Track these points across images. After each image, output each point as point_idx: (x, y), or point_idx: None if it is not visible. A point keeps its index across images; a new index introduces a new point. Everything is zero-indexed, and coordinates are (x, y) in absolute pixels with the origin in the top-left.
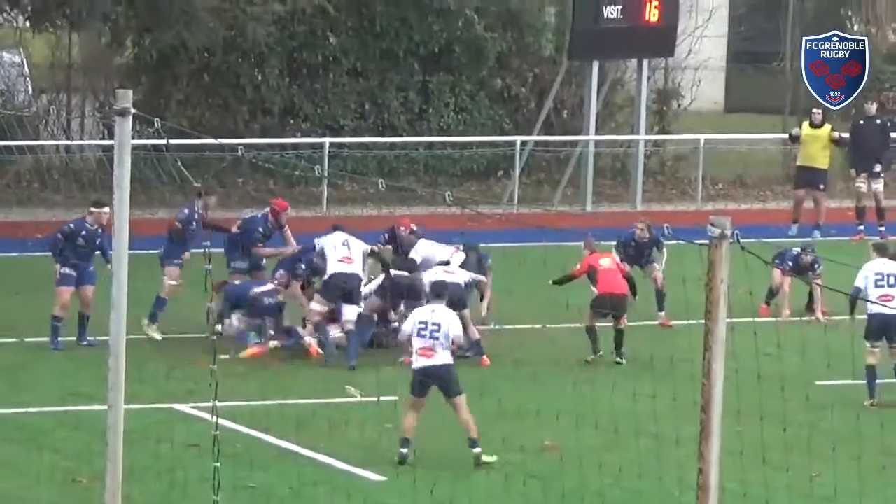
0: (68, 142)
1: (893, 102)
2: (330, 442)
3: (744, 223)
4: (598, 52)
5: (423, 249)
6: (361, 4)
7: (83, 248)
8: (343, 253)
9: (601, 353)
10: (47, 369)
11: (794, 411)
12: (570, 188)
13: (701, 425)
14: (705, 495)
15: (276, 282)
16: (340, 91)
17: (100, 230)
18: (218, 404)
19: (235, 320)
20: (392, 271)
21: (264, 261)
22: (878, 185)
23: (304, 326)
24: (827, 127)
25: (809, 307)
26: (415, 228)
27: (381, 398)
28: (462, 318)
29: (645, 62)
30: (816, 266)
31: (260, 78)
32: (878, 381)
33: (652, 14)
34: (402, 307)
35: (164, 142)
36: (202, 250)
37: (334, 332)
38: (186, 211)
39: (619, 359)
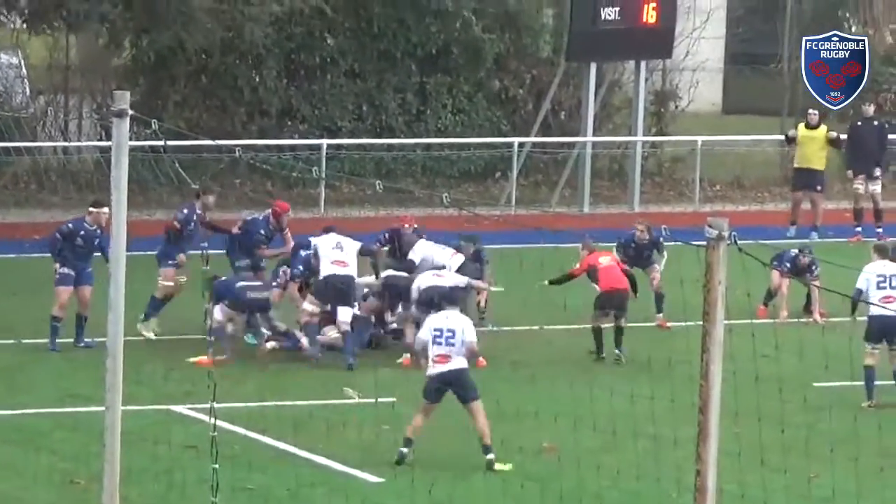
0: (66, 143)
1: (891, 104)
2: (328, 443)
3: (741, 225)
4: (595, 53)
5: (421, 250)
6: (359, 6)
7: (81, 248)
8: (336, 255)
9: (604, 355)
10: (45, 371)
11: (791, 413)
12: (568, 190)
13: (699, 427)
14: (703, 497)
15: (276, 282)
16: (338, 92)
17: (98, 230)
18: (216, 406)
19: (218, 313)
20: (390, 272)
21: (264, 261)
22: (876, 187)
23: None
24: (823, 128)
25: (807, 309)
26: (417, 227)
27: (379, 399)
28: None
29: (643, 64)
30: (814, 268)
31: (257, 79)
32: (875, 383)
33: (650, 16)
34: (399, 308)
35: (161, 143)
36: (200, 252)
37: (332, 332)
38: (185, 211)
39: (618, 352)
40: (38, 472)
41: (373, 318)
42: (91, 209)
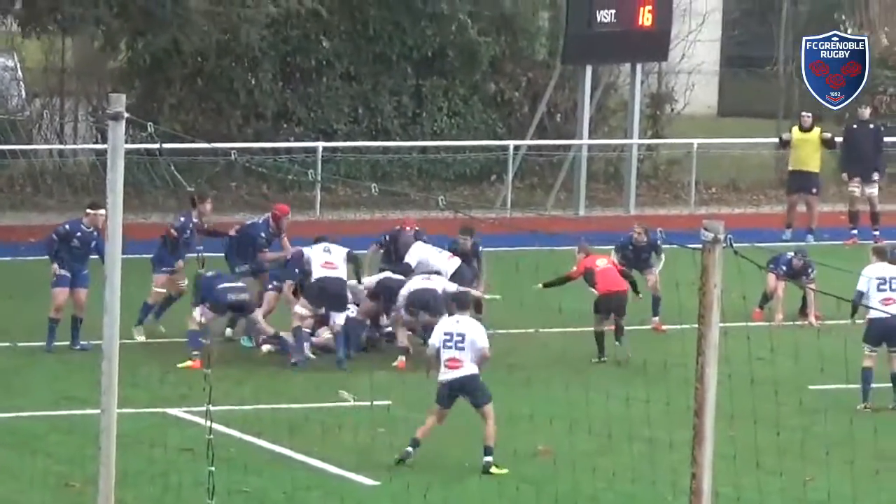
0: (61, 146)
1: (886, 107)
2: (323, 446)
3: (737, 227)
4: (591, 56)
5: (417, 253)
6: (354, 8)
7: (78, 250)
8: (325, 258)
9: (605, 358)
10: (40, 373)
11: (787, 416)
12: (564, 192)
13: (694, 430)
14: (698, 500)
15: (271, 285)
16: (334, 95)
17: (95, 232)
18: (211, 409)
19: (198, 314)
20: (386, 274)
21: (266, 265)
22: (873, 190)
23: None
24: (816, 130)
25: (803, 311)
26: (418, 229)
27: (374, 402)
28: None
29: (638, 66)
30: (810, 270)
31: (253, 82)
32: (872, 386)
33: (645, 18)
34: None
35: (157, 146)
36: (196, 254)
37: (325, 333)
38: (182, 219)
39: (618, 343)
40: (34, 475)
41: (367, 321)
42: (88, 211)
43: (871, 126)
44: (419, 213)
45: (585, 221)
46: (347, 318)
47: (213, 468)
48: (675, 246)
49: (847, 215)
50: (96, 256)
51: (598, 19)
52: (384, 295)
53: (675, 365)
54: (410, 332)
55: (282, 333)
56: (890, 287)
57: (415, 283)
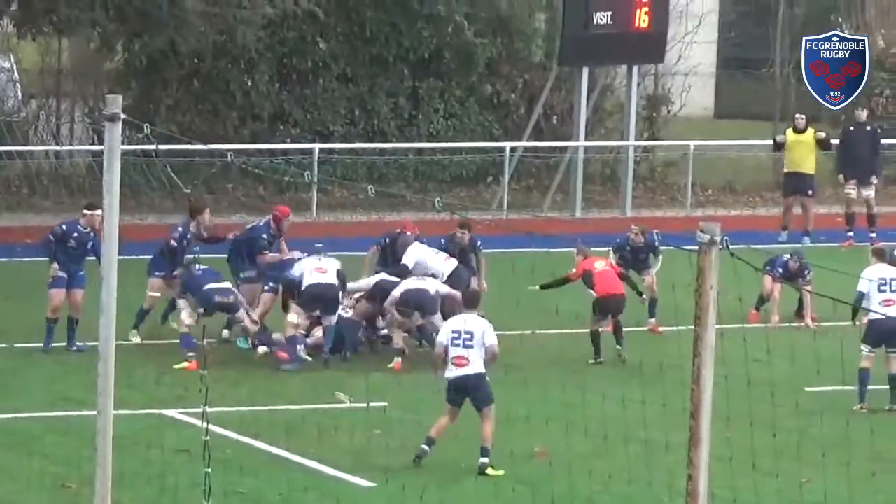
0: (58, 147)
1: (882, 109)
2: (319, 448)
3: (733, 229)
4: (587, 58)
5: (414, 254)
6: (351, 10)
7: (74, 251)
8: (317, 264)
9: (602, 360)
10: (37, 374)
11: (783, 417)
12: (560, 194)
13: (690, 431)
14: (695, 501)
15: (268, 286)
16: (330, 97)
17: (92, 233)
18: (208, 410)
19: (186, 317)
20: (383, 276)
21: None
22: (870, 192)
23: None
24: (811, 131)
25: (799, 313)
26: (418, 234)
27: (371, 404)
28: (433, 325)
29: (635, 68)
30: (806, 272)
31: (250, 83)
32: (868, 388)
33: (642, 20)
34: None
35: (153, 147)
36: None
37: (319, 333)
38: (180, 229)
39: (619, 347)
40: (31, 477)
41: (363, 322)
42: (85, 211)
43: (868, 128)
44: (415, 215)
45: (582, 223)
46: (343, 319)
47: (209, 469)
48: (671, 247)
49: (843, 217)
50: (93, 258)
51: (595, 21)
52: (380, 297)
53: (672, 366)
54: (406, 334)
55: (275, 335)
56: (890, 288)
57: (408, 284)
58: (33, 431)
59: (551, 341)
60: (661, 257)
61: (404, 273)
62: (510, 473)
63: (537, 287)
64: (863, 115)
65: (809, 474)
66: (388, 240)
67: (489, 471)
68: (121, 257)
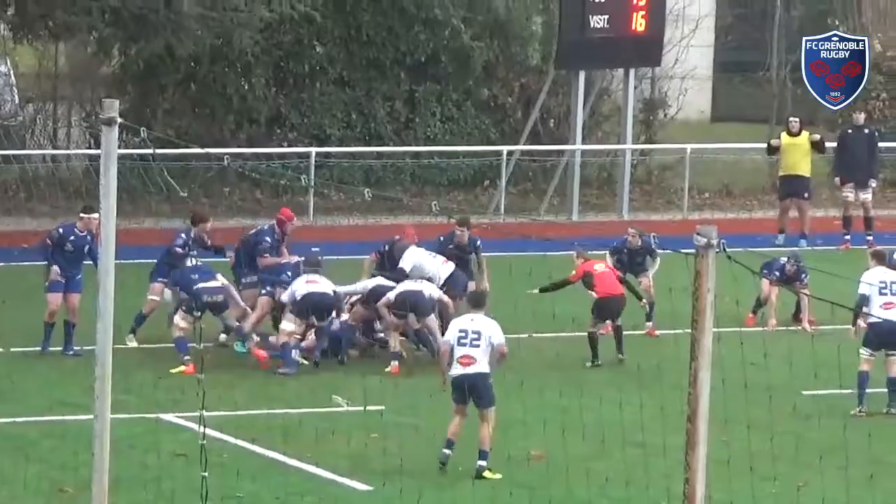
0: (55, 151)
1: (880, 112)
2: (316, 451)
3: (730, 233)
4: (584, 61)
5: (411, 258)
6: (348, 14)
7: (71, 254)
8: (309, 278)
9: (600, 362)
10: (34, 379)
11: (780, 421)
12: (557, 198)
13: (687, 434)
14: None
15: (265, 290)
16: (327, 100)
17: (89, 237)
18: (204, 414)
19: (180, 319)
20: (379, 279)
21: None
22: (867, 196)
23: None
24: (805, 134)
25: (796, 317)
26: (417, 242)
27: (368, 408)
28: (427, 327)
29: (631, 72)
30: (803, 276)
31: (246, 87)
32: (867, 391)
33: (638, 24)
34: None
35: (150, 151)
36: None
37: (312, 335)
38: (183, 235)
39: (621, 355)
40: (28, 481)
41: (361, 326)
42: (82, 214)
43: (866, 131)
44: (412, 219)
45: (579, 227)
46: (340, 323)
47: (205, 473)
48: (668, 251)
49: (840, 221)
50: (90, 262)
51: (592, 25)
52: (376, 300)
53: (669, 370)
54: (403, 338)
55: (271, 339)
56: (891, 291)
57: (403, 286)
58: (30, 436)
59: (548, 344)
60: (658, 260)
61: (401, 277)
62: (507, 477)
63: (536, 290)
64: (860, 118)
65: (807, 478)
66: (386, 246)
67: (486, 474)
68: (118, 261)
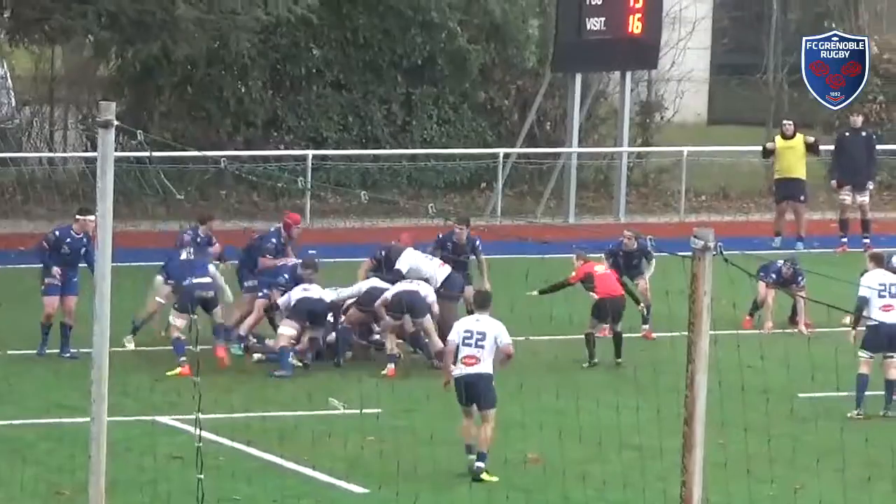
0: (51, 154)
1: (876, 114)
2: (313, 454)
3: (727, 235)
4: (581, 64)
5: (408, 260)
6: (344, 17)
7: (68, 256)
8: (304, 285)
9: (597, 361)
10: (31, 381)
11: (777, 423)
12: (553, 200)
13: (684, 437)
14: None
15: (262, 292)
16: (323, 103)
17: (85, 239)
18: (201, 416)
19: (175, 320)
20: (374, 281)
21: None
22: (864, 198)
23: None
24: (799, 137)
25: (793, 319)
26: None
27: (364, 410)
28: (424, 328)
29: (628, 74)
30: (800, 278)
31: (243, 90)
32: (866, 393)
33: (635, 26)
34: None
35: (147, 154)
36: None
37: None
38: (190, 231)
39: (618, 359)
40: (24, 483)
41: (356, 330)
42: (78, 216)
43: (864, 134)
44: (409, 221)
45: (575, 229)
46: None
47: (201, 476)
48: (665, 254)
49: (837, 223)
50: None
51: (588, 27)
52: (372, 302)
53: (666, 372)
54: (401, 341)
55: (268, 342)
56: (890, 293)
57: (399, 287)
58: (27, 438)
59: (545, 347)
60: (654, 262)
61: (398, 278)
62: (504, 480)
63: (535, 292)
64: (858, 120)
65: (804, 480)
66: (383, 252)
67: (484, 476)
68: (114, 264)
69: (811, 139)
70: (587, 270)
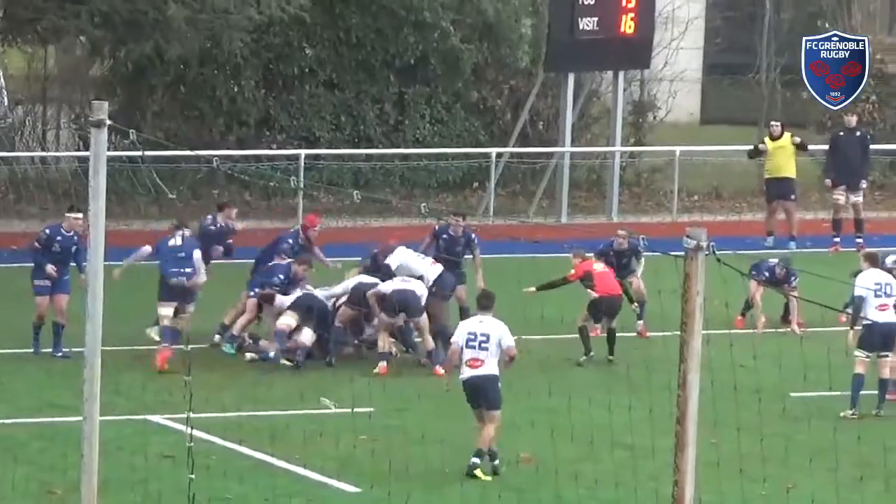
0: (44, 153)
1: (869, 114)
2: (305, 453)
3: (719, 235)
4: (573, 63)
5: (398, 257)
6: (337, 16)
7: (59, 255)
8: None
9: (592, 353)
10: (23, 380)
11: (770, 423)
12: (546, 200)
13: (677, 437)
14: None
15: (253, 292)
16: (316, 103)
17: (75, 237)
18: (192, 416)
19: (159, 308)
20: (362, 277)
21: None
22: (858, 198)
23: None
24: (787, 136)
25: (785, 319)
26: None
27: (356, 410)
28: (418, 327)
29: (621, 74)
30: (793, 278)
31: (236, 89)
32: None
33: (628, 26)
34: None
35: (139, 153)
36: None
37: (299, 336)
38: (211, 217)
39: (611, 357)
40: (16, 483)
41: (347, 329)
42: (67, 215)
43: (858, 134)
44: (402, 221)
45: (568, 229)
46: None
47: (192, 476)
48: (657, 253)
49: (830, 223)
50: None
51: (581, 27)
52: (361, 298)
53: (658, 372)
54: (394, 340)
55: (262, 342)
56: (885, 293)
57: (395, 284)
58: (19, 437)
59: (537, 346)
60: (643, 261)
61: (387, 274)
62: (496, 479)
63: (533, 288)
64: (852, 120)
65: (796, 480)
66: (369, 260)
67: (478, 472)
68: (106, 263)
69: (798, 140)
70: (586, 268)
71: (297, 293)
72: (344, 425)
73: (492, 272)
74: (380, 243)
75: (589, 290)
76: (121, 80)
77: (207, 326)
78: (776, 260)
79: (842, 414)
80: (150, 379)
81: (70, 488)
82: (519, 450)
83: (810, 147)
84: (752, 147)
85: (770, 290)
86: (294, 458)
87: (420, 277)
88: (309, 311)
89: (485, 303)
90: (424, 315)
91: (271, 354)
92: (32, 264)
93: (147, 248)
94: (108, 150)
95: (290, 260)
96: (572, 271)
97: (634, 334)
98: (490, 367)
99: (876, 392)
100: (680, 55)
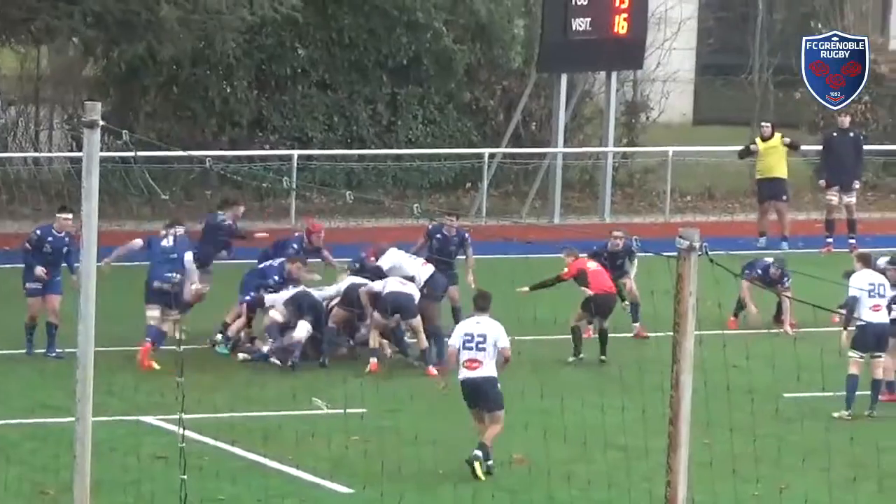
0: (37, 154)
1: (862, 115)
2: (297, 454)
3: (712, 235)
4: (566, 64)
5: (390, 258)
6: (329, 16)
7: (50, 256)
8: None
9: (583, 355)
10: (16, 381)
11: (762, 423)
12: (539, 200)
13: (669, 437)
14: None
15: (249, 295)
16: (309, 103)
17: (66, 238)
18: (185, 416)
19: (146, 310)
20: (353, 278)
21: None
22: (851, 199)
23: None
24: (777, 136)
25: (778, 319)
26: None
27: (348, 410)
28: (412, 327)
29: (613, 74)
30: (786, 279)
31: (228, 90)
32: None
33: (620, 26)
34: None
35: (132, 154)
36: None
37: (292, 335)
38: (220, 214)
39: (603, 357)
40: (8, 483)
41: (339, 330)
42: (58, 215)
43: (851, 134)
44: (394, 222)
45: (560, 229)
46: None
47: (184, 476)
48: (650, 254)
49: (823, 223)
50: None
51: (574, 27)
52: (353, 299)
53: (651, 372)
54: (386, 341)
55: (257, 342)
56: (878, 294)
57: (391, 285)
58: (12, 438)
59: (530, 347)
60: (636, 262)
61: (377, 276)
62: (489, 480)
63: (526, 288)
64: (845, 121)
65: (789, 480)
66: (357, 264)
67: (476, 464)
68: (98, 264)
69: (788, 140)
70: (580, 266)
71: (292, 291)
72: (336, 426)
73: (484, 273)
74: (371, 244)
75: (583, 289)
76: (114, 80)
77: (201, 327)
78: (771, 259)
79: (835, 414)
80: (142, 380)
81: (62, 489)
82: (512, 451)
83: (803, 147)
84: (742, 147)
85: (760, 290)
86: (287, 458)
87: (411, 278)
88: (301, 308)
89: (481, 304)
90: (418, 316)
91: (265, 349)
92: (24, 265)
93: (138, 241)
94: (101, 150)
95: (281, 259)
96: (565, 270)
97: (628, 335)
98: (488, 368)
99: (867, 392)
100: (673, 56)
